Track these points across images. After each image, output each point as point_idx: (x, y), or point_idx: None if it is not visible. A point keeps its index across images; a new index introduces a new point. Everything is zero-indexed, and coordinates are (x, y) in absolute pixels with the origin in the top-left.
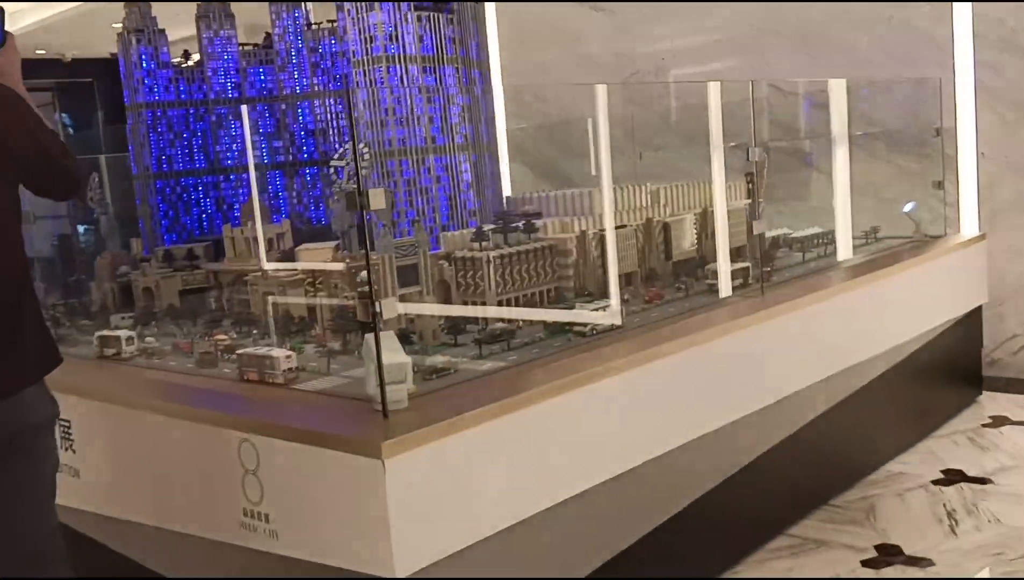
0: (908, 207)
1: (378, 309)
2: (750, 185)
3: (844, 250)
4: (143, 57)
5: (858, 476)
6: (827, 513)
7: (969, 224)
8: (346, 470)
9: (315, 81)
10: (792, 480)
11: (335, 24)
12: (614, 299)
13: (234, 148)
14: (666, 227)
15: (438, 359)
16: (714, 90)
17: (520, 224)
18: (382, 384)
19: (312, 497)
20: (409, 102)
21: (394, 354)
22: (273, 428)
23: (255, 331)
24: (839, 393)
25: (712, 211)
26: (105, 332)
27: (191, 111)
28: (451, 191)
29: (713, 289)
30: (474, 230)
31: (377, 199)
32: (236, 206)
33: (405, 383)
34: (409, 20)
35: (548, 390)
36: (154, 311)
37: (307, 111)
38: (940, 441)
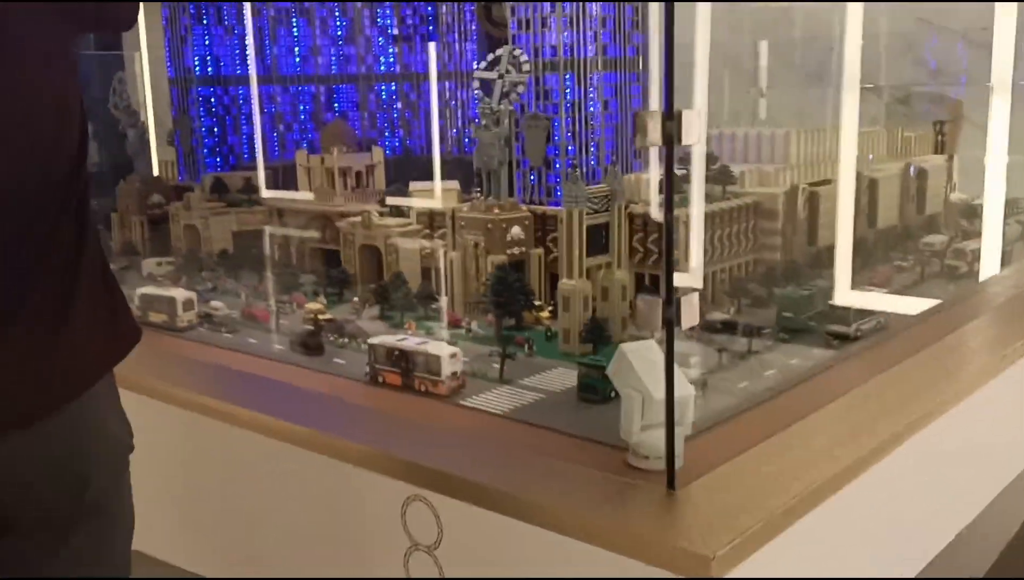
0: None
1: (672, 309)
2: (940, 137)
3: None
4: None
5: None
6: None
7: None
8: None
9: None
10: None
11: None
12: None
13: (297, 51)
14: (872, 185)
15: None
16: (855, 15)
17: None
18: (670, 438)
19: None
20: None
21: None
22: (466, 486)
23: (355, 299)
24: None
25: (919, 167)
26: (150, 289)
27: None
28: (619, 119)
29: (957, 271)
30: (660, 175)
31: (691, 127)
32: (296, 125)
33: (683, 427)
34: None
35: (901, 429)
36: (199, 257)
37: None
38: None
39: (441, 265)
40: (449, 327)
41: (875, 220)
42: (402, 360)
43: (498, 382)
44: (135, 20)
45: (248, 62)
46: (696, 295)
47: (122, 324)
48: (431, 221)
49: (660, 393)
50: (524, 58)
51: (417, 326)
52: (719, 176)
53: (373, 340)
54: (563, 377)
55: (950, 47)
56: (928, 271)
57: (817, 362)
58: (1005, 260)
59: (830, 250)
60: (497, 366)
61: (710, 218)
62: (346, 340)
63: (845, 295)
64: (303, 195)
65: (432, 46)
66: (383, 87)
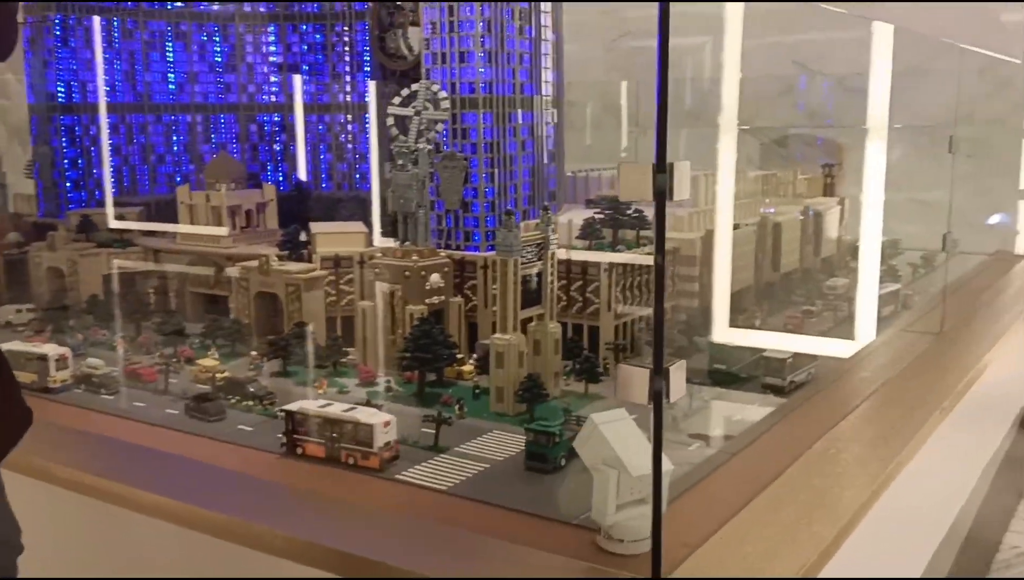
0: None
1: (661, 381)
2: (829, 180)
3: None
4: None
5: None
6: None
7: None
8: None
9: None
10: None
11: None
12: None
13: (172, 78)
14: (776, 229)
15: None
16: (732, 60)
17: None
18: (657, 522)
19: None
20: (500, 28)
21: (645, 455)
22: None
23: (253, 353)
24: None
25: (816, 210)
26: (17, 345)
27: (116, 22)
28: (535, 162)
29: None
30: (581, 222)
31: (683, 180)
32: (170, 158)
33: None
34: None
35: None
36: (65, 304)
37: (309, 33)
38: None
39: (356, 315)
40: (364, 384)
41: (779, 263)
42: (327, 429)
43: (433, 449)
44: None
45: (116, 87)
46: (684, 364)
47: (15, 408)
48: (336, 266)
49: (639, 469)
50: (443, 94)
51: (328, 384)
52: (635, 221)
53: (292, 406)
54: (504, 442)
55: (825, 90)
56: (839, 316)
57: (760, 419)
58: (905, 304)
59: (747, 293)
60: (428, 431)
61: (631, 266)
62: (251, 403)
63: (724, 332)
64: (189, 233)
65: (298, 78)
66: (265, 117)
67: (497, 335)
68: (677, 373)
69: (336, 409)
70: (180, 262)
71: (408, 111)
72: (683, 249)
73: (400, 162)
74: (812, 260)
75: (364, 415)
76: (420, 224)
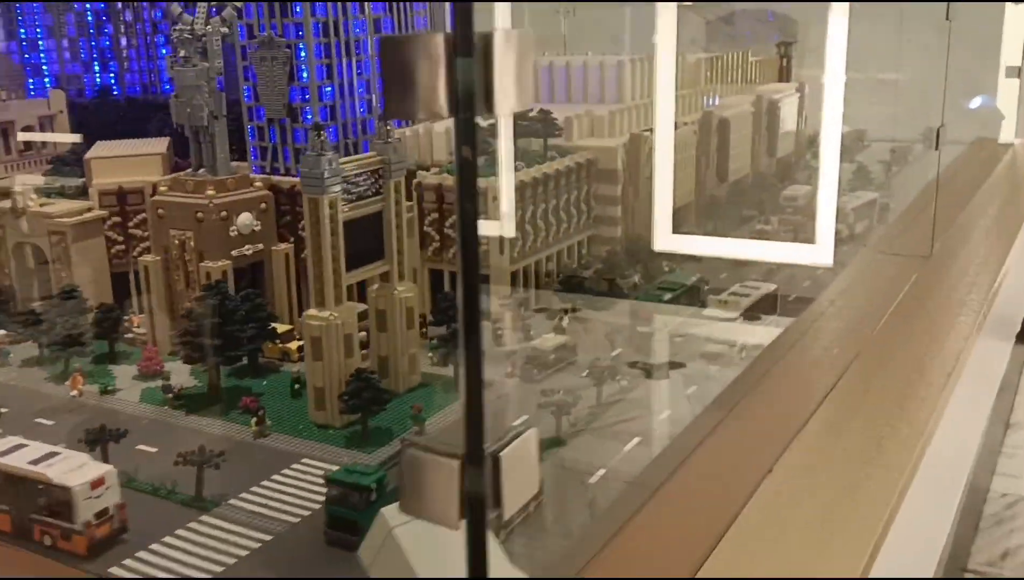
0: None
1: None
2: (784, 61)
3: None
4: None
5: None
6: None
7: None
8: None
9: None
10: None
11: None
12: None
13: None
14: (722, 127)
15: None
16: None
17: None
18: None
19: None
20: None
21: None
22: None
23: (2, 333)
24: None
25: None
26: None
27: None
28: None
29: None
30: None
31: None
32: None
33: None
34: None
35: None
36: None
37: None
38: None
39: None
40: (143, 376)
41: (726, 171)
42: (11, 490)
43: (195, 504)
44: None
45: None
46: (534, 436)
47: None
48: (122, 205)
49: None
50: None
51: (88, 379)
52: (541, 126)
53: None
54: (312, 484)
55: None
56: (800, 236)
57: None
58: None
59: (686, 211)
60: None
61: (530, 188)
62: None
63: (666, 240)
64: None
65: None
66: (87, 5)
67: (311, 312)
68: (518, 460)
69: (24, 455)
70: None
71: None
72: (601, 160)
73: (183, 53)
74: (766, 163)
75: (60, 469)
76: (216, 141)
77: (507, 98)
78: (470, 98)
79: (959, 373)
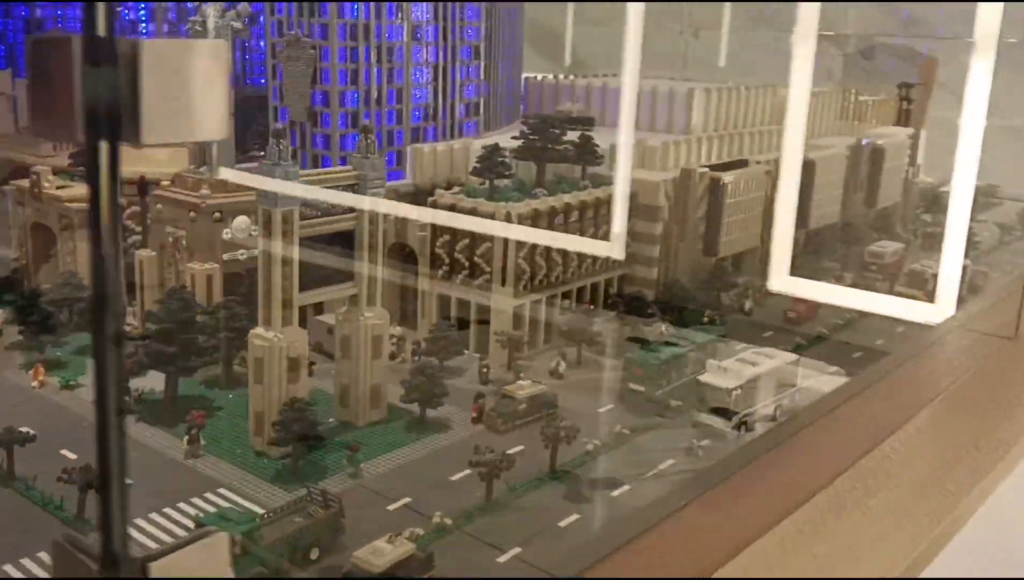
0: None
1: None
2: (905, 104)
3: None
4: None
5: None
6: None
7: None
8: None
9: None
10: None
11: None
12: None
13: None
14: (808, 170)
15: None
16: None
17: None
18: None
19: None
20: None
21: None
22: None
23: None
24: None
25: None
26: None
27: None
28: (442, 56)
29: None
30: (481, 150)
31: None
32: None
33: None
34: None
35: None
36: None
37: None
38: None
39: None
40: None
41: (807, 217)
42: None
43: (76, 523)
44: None
45: None
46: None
47: None
48: (142, 195)
49: None
50: None
51: (56, 371)
52: (579, 152)
53: None
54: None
55: None
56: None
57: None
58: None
59: (748, 257)
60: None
61: (545, 217)
62: None
63: (782, 281)
64: None
65: None
66: None
67: (257, 330)
68: (183, 572)
69: None
70: None
71: None
72: (641, 194)
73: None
74: (860, 213)
75: None
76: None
77: (157, 125)
78: (95, 117)
79: None
